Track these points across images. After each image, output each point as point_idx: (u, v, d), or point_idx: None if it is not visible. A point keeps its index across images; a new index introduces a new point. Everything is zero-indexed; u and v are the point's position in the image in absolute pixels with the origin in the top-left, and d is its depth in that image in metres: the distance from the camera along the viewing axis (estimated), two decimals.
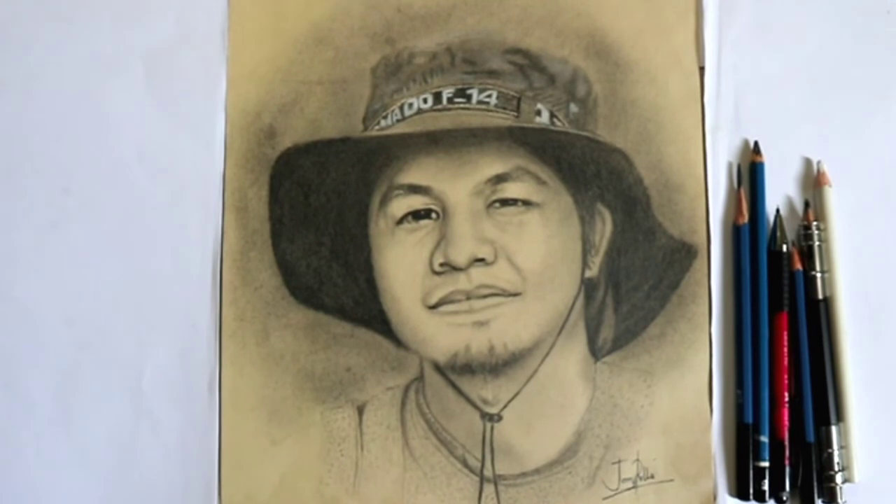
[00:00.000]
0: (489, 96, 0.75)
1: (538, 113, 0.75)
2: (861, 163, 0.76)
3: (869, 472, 0.73)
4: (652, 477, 0.74)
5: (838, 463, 0.72)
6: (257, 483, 0.74)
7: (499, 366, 0.74)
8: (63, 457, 0.75)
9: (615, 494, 0.74)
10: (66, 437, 0.75)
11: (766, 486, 0.73)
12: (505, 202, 0.74)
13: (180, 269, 0.76)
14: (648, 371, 0.74)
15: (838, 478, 0.72)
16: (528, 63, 0.77)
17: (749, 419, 0.73)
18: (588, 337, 0.75)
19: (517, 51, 0.77)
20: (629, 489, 0.74)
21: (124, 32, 0.79)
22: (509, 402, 0.74)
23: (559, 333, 0.74)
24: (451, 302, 0.74)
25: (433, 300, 0.74)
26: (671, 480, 0.74)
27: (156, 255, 0.77)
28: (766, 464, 0.73)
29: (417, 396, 0.75)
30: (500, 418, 0.74)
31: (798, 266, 0.74)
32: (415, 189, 0.74)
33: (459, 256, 0.73)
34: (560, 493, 0.73)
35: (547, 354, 0.74)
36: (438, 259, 0.74)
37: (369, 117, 0.76)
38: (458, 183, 0.74)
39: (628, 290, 0.75)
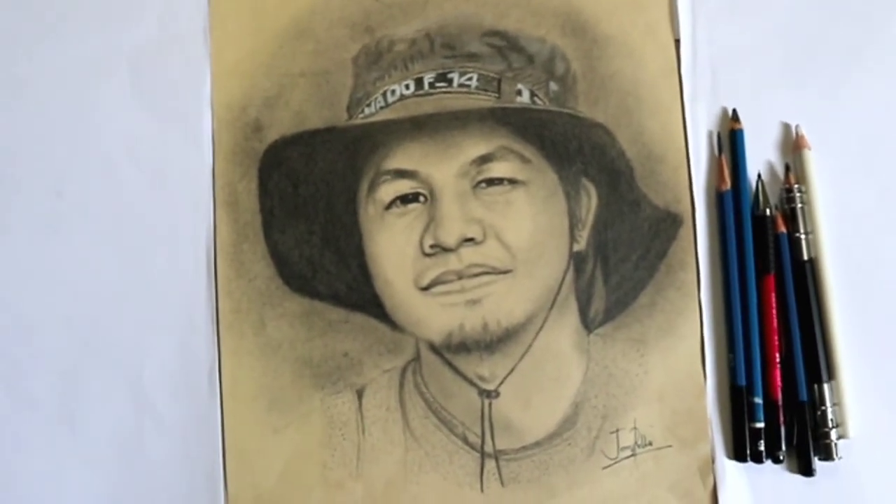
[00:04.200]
0: (470, 79, 0.77)
1: (519, 93, 0.77)
2: (838, 124, 0.77)
3: (862, 427, 0.74)
4: (650, 444, 0.75)
5: (832, 420, 0.73)
6: (262, 472, 0.75)
7: (493, 343, 0.75)
8: (68, 456, 0.76)
9: (615, 463, 0.75)
10: (71, 436, 0.76)
11: (762, 447, 0.74)
12: (491, 182, 0.75)
13: (175, 265, 0.77)
14: (641, 340, 0.75)
15: (833, 434, 0.73)
16: (506, 44, 0.78)
17: (742, 381, 0.74)
18: (580, 309, 0.76)
19: (495, 33, 0.78)
20: (628, 457, 0.75)
21: (108, 35, 0.80)
22: (506, 377, 0.75)
23: (551, 308, 0.76)
24: (443, 282, 0.75)
25: (425, 281, 0.75)
26: (669, 446, 0.75)
27: (150, 253, 0.78)
28: (761, 425, 0.74)
29: (415, 377, 0.76)
30: (497, 394, 0.75)
31: (782, 229, 0.76)
32: (401, 174, 0.76)
33: (449, 237, 0.74)
34: (560, 465, 0.74)
35: (540, 329, 0.75)
36: (428, 241, 0.75)
37: (353, 106, 0.77)
38: (443, 165, 0.75)
39: (617, 261, 0.76)
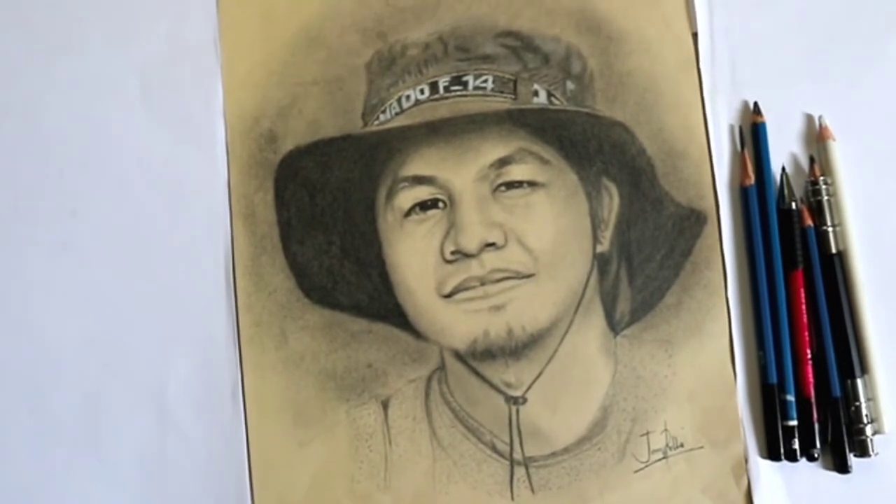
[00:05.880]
0: (485, 81, 0.75)
1: (535, 93, 0.75)
2: (862, 114, 0.76)
3: None
4: (681, 446, 0.74)
5: (867, 415, 0.72)
6: (289, 486, 0.74)
7: (519, 348, 0.74)
8: (94, 477, 0.76)
9: (646, 466, 0.73)
10: (96, 457, 0.76)
11: (796, 445, 0.72)
12: (510, 185, 0.74)
13: (194, 281, 0.77)
14: (668, 340, 0.74)
15: (868, 430, 0.72)
16: (520, 45, 0.77)
17: (773, 379, 0.73)
18: (605, 312, 0.75)
19: (509, 33, 0.77)
20: (660, 460, 0.73)
21: (117, 52, 0.79)
22: (532, 383, 0.74)
23: (576, 311, 0.74)
24: (466, 289, 0.74)
25: (448, 289, 0.74)
26: (701, 447, 0.73)
27: (168, 269, 0.77)
28: (794, 422, 0.72)
29: (441, 386, 0.75)
30: (524, 401, 0.74)
31: (809, 222, 0.74)
32: (419, 180, 0.74)
33: (470, 243, 0.73)
34: (591, 470, 0.73)
35: (566, 333, 0.74)
36: (449, 247, 0.74)
37: (368, 113, 0.76)
38: (461, 170, 0.74)
39: (641, 261, 0.75)
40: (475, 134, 0.74)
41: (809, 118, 0.76)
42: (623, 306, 0.75)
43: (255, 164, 0.77)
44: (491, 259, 0.74)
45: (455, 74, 0.76)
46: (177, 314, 0.76)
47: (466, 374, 0.74)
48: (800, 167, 0.76)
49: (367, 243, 0.76)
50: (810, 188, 0.75)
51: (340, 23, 0.78)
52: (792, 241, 0.74)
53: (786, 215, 0.75)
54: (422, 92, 0.75)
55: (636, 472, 0.73)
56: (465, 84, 0.75)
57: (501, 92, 0.75)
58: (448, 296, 0.74)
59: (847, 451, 0.72)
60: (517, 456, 0.74)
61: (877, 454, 0.72)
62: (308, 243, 0.76)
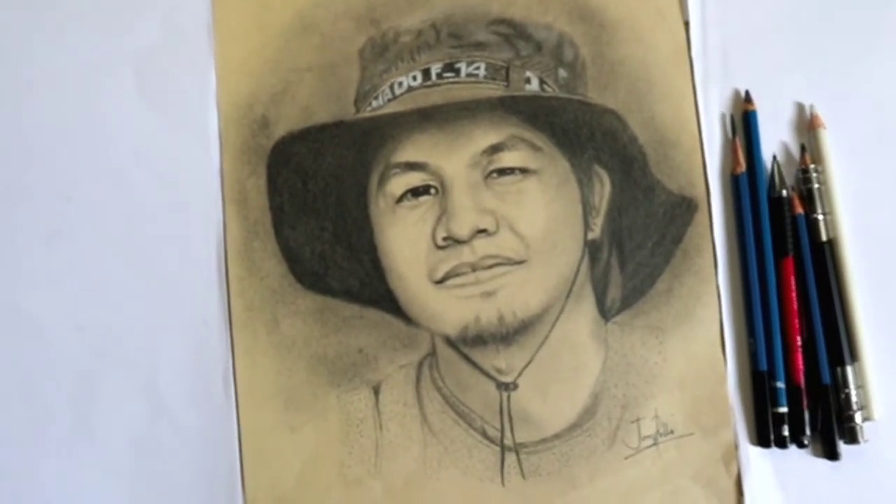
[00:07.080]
0: (477, 68, 0.76)
1: (528, 81, 0.76)
2: (852, 103, 0.76)
3: (888, 409, 0.73)
4: (672, 432, 0.74)
5: (856, 402, 0.72)
6: (280, 471, 0.74)
7: (510, 334, 0.74)
8: (86, 463, 0.76)
9: (637, 453, 0.74)
10: (88, 443, 0.76)
11: (786, 432, 0.72)
12: (502, 172, 0.74)
13: (186, 266, 0.77)
14: (659, 327, 0.74)
15: (858, 417, 0.72)
16: (513, 32, 0.77)
17: (763, 366, 0.73)
18: (596, 298, 0.75)
19: (501, 21, 0.77)
20: (650, 446, 0.74)
21: (111, 38, 0.80)
22: (523, 369, 0.74)
23: (567, 297, 0.75)
24: (457, 275, 0.74)
25: (439, 275, 0.74)
26: (691, 434, 0.74)
27: (161, 255, 0.77)
28: (784, 409, 0.73)
29: (431, 372, 0.75)
30: (515, 387, 0.74)
31: (799, 210, 0.74)
32: (411, 166, 0.75)
33: (461, 229, 0.73)
34: (581, 456, 0.73)
35: (557, 319, 0.74)
36: (441, 233, 0.74)
37: (360, 99, 0.77)
38: (453, 157, 0.74)
39: (632, 248, 0.75)
40: (467, 121, 0.75)
41: (800, 107, 0.77)
42: (614, 293, 0.75)
43: (248, 149, 0.77)
44: (482, 245, 0.74)
45: (447, 61, 0.76)
46: (169, 300, 0.77)
47: (457, 359, 0.75)
48: (791, 155, 0.76)
49: (359, 229, 0.76)
50: (801, 176, 0.75)
51: (334, 10, 0.78)
52: (782, 229, 0.74)
53: (776, 203, 0.75)
54: (414, 79, 0.76)
55: (626, 458, 0.74)
56: (457, 71, 0.76)
57: (494, 79, 0.75)
58: (439, 282, 0.74)
59: (837, 438, 0.72)
60: (508, 442, 0.74)
61: (866, 441, 0.72)
62: (300, 229, 0.76)
